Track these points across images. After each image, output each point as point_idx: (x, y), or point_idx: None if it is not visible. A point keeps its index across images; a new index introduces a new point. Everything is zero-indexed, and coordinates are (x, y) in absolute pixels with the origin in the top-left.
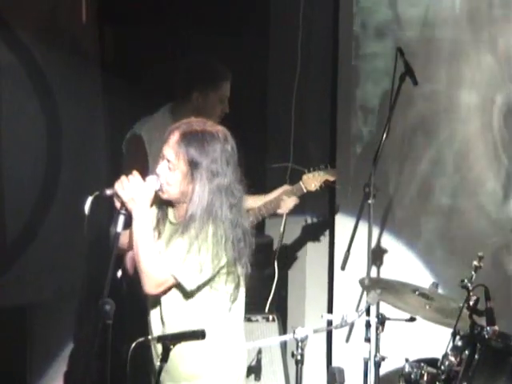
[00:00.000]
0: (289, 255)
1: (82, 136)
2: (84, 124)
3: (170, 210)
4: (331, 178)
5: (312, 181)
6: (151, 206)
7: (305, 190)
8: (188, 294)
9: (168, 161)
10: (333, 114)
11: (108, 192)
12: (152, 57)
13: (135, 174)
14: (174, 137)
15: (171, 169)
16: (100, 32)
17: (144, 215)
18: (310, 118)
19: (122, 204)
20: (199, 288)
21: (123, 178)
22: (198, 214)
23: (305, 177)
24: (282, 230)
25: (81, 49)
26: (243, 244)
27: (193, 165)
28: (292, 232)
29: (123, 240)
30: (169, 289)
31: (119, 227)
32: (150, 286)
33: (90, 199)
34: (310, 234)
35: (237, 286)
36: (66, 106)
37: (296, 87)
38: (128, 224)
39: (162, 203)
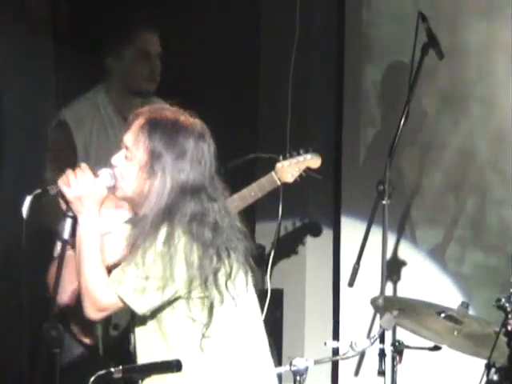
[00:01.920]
0: (284, 268)
1: (29, 121)
2: (32, 106)
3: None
4: (314, 165)
5: (288, 170)
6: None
7: (278, 182)
8: (152, 319)
9: (126, 148)
10: (338, 94)
11: (51, 190)
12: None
13: (84, 168)
14: (139, 121)
15: (128, 158)
16: None
17: (91, 219)
18: (311, 98)
19: (68, 205)
20: (158, 313)
21: (68, 172)
22: (151, 215)
23: (279, 165)
24: (275, 237)
25: (28, 15)
26: (217, 263)
27: (154, 156)
28: (288, 240)
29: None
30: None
31: (66, 233)
32: (92, 309)
33: (28, 199)
34: (311, 242)
35: (210, 314)
36: (9, 84)
37: (293, 61)
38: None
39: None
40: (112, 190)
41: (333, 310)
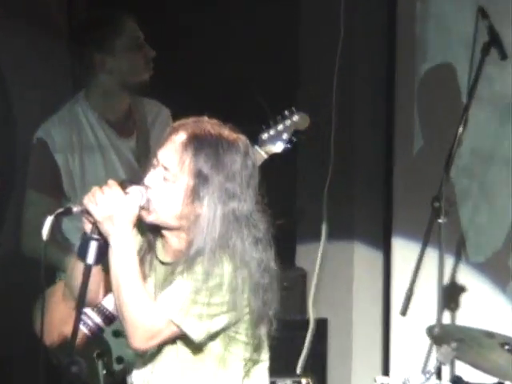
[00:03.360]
0: (328, 295)
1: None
2: (50, 108)
3: (158, 243)
4: (302, 126)
5: (275, 139)
6: (134, 230)
7: (265, 156)
8: (191, 353)
9: (165, 168)
10: (388, 101)
11: (75, 209)
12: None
13: (112, 184)
14: (179, 137)
15: (168, 180)
16: None
17: (126, 240)
18: (357, 107)
19: (95, 225)
20: (205, 345)
21: (95, 189)
22: (208, 248)
23: (263, 136)
24: (318, 259)
25: (44, 16)
26: (270, 294)
27: (201, 178)
28: (333, 262)
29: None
30: (163, 343)
31: (91, 257)
32: (140, 338)
33: (49, 220)
34: (358, 265)
35: (257, 350)
36: (23, 90)
37: (338, 56)
38: (102, 254)
39: (145, 231)
40: (142, 211)
41: (383, 341)
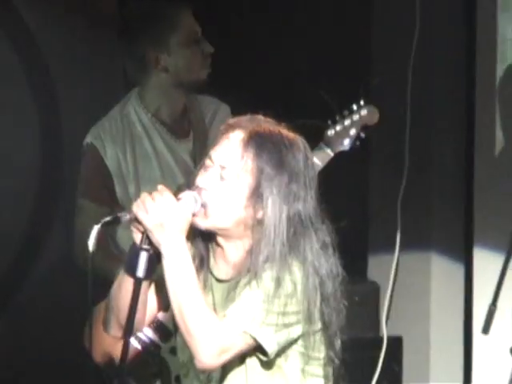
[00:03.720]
0: (403, 310)
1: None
2: (100, 104)
3: (211, 260)
4: (371, 122)
5: (342, 135)
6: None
7: (332, 154)
8: (262, 373)
9: (222, 167)
10: (469, 102)
11: (123, 217)
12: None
13: (162, 190)
14: (236, 134)
15: (227, 179)
16: None
17: (180, 249)
18: (435, 97)
19: (145, 235)
20: (278, 364)
21: (144, 195)
22: (277, 253)
23: (329, 133)
24: (392, 272)
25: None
26: (341, 305)
27: (263, 179)
28: (409, 275)
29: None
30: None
31: (141, 270)
32: (211, 354)
33: (95, 229)
34: (436, 278)
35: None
36: (68, 84)
37: (414, 48)
38: (153, 268)
39: (197, 245)
40: (195, 217)
41: (464, 361)
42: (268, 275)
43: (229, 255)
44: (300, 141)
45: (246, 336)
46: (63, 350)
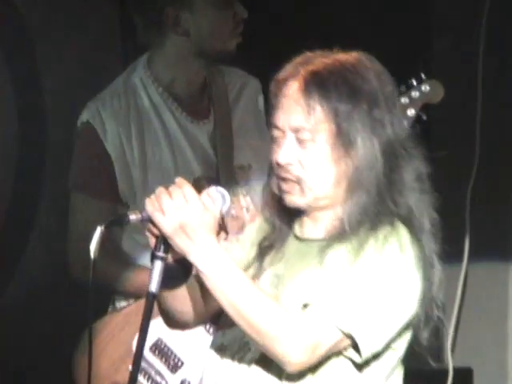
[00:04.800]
0: (474, 336)
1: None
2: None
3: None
4: (435, 100)
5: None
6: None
7: None
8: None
9: (295, 130)
10: None
11: (133, 217)
12: None
13: (182, 184)
14: (291, 87)
15: (307, 140)
16: None
17: (216, 256)
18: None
19: (160, 239)
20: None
21: (160, 191)
22: (376, 201)
23: None
24: (460, 288)
25: None
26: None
27: (342, 118)
28: (480, 292)
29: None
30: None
31: (154, 284)
32: (303, 350)
33: (98, 232)
34: None
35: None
36: (52, 50)
37: (486, 13)
38: (174, 277)
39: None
40: (228, 216)
41: None
42: (372, 246)
43: (320, 221)
44: (363, 57)
45: (337, 331)
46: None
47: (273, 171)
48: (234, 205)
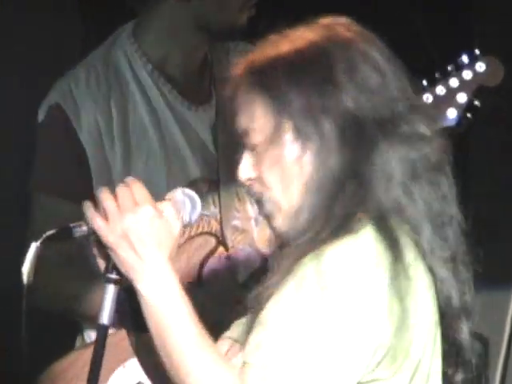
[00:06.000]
0: None
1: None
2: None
3: None
4: (493, 82)
5: (444, 104)
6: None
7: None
8: None
9: (245, 135)
10: None
11: (76, 230)
12: None
13: (133, 185)
14: (234, 86)
15: (257, 145)
16: None
17: (164, 283)
18: None
19: (110, 260)
20: None
21: (105, 196)
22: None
23: (423, 99)
24: (509, 318)
25: None
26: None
27: (285, 106)
28: None
29: None
30: None
31: (105, 314)
32: None
33: (33, 247)
34: None
35: None
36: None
37: None
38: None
39: None
40: (192, 225)
41: None
42: (311, 269)
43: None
44: (325, 30)
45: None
46: None
47: None
48: (241, 214)
